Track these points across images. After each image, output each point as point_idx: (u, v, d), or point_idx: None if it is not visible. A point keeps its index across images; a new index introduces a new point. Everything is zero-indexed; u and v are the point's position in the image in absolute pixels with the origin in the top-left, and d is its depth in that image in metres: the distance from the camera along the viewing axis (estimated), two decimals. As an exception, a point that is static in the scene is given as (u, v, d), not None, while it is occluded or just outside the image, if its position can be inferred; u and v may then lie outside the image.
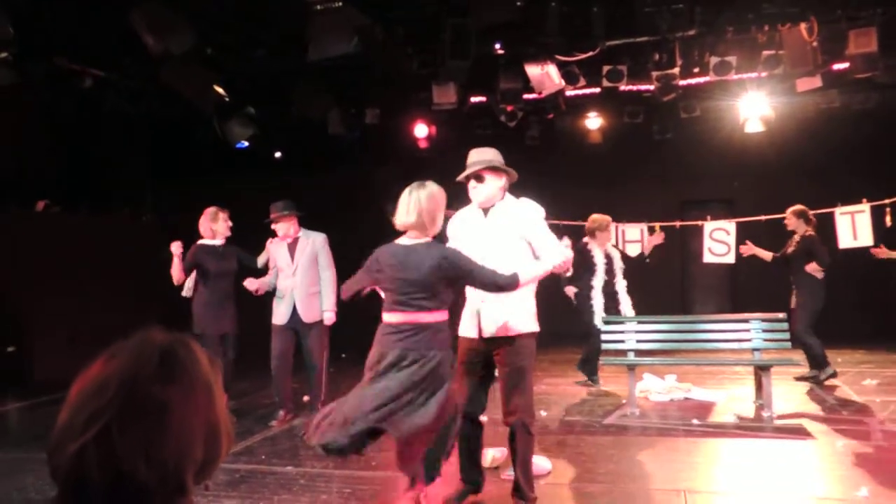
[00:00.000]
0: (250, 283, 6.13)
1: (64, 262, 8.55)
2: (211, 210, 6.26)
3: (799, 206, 7.60)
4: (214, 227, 6.19)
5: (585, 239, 7.52)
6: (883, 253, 7.53)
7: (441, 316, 3.51)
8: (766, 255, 7.77)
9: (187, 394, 1.05)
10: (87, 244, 8.95)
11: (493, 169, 3.80)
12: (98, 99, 7.79)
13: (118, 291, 8.87)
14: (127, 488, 0.98)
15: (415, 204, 3.54)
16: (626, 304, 7.41)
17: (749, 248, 7.85)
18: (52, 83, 7.50)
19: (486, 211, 3.89)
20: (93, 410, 0.99)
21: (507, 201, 3.88)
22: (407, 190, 3.63)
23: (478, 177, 3.81)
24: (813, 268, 7.27)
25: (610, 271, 7.47)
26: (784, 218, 7.69)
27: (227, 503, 4.30)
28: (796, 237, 7.55)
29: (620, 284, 7.49)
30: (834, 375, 7.28)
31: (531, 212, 3.85)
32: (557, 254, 3.71)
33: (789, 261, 7.55)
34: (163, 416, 1.01)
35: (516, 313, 3.74)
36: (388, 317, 3.58)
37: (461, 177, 3.85)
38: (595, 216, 7.59)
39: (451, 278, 3.50)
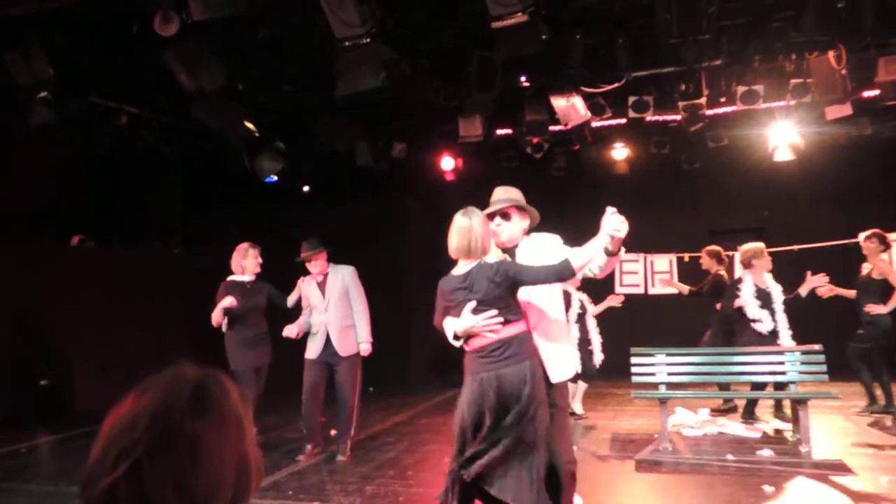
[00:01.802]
0: (289, 331, 6.15)
1: (97, 295, 8.68)
2: (242, 246, 6.36)
3: (713, 247, 8.14)
4: (244, 264, 6.29)
5: (739, 275, 7.18)
6: (831, 291, 7.36)
7: (517, 328, 3.53)
8: (684, 289, 8.23)
9: (218, 429, 1.04)
10: (120, 278, 9.08)
11: (520, 208, 3.74)
12: (133, 135, 7.97)
13: (150, 324, 8.97)
14: None
15: (467, 231, 3.57)
16: (785, 337, 6.83)
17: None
18: (89, 120, 7.69)
19: (508, 252, 3.75)
20: (124, 446, 0.99)
21: (526, 241, 3.79)
22: (456, 218, 3.63)
23: (504, 214, 3.72)
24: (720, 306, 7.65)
25: (767, 304, 6.89)
26: (820, 247, 7.57)
27: (255, 539, 4.26)
28: (710, 276, 8.03)
29: (780, 318, 6.89)
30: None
31: (548, 240, 3.75)
32: (607, 227, 3.44)
33: (704, 297, 8.02)
34: (193, 451, 1.00)
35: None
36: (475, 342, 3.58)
37: (487, 212, 3.73)
38: (747, 246, 7.13)
39: (508, 286, 3.52)
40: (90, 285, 8.67)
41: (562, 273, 3.42)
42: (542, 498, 3.35)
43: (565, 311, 7.37)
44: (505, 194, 3.78)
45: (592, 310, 7.73)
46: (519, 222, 3.73)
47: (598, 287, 7.96)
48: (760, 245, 7.09)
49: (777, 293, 6.91)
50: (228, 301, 6.04)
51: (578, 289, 7.58)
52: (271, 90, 7.80)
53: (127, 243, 9.56)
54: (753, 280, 6.93)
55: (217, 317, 6.10)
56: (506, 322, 3.48)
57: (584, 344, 7.40)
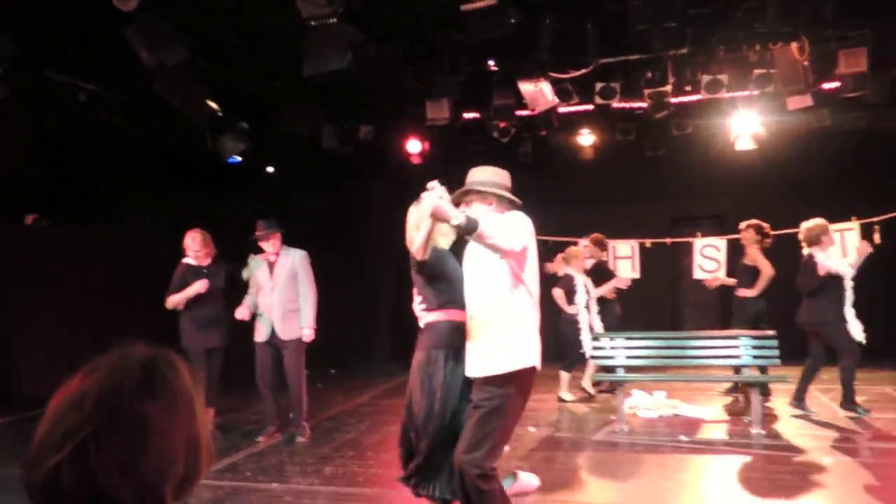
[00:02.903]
0: (240, 313, 6.16)
1: (50, 276, 8.49)
2: (189, 233, 6.29)
3: (596, 235, 8.36)
4: (193, 250, 6.23)
5: (808, 251, 6.80)
6: (716, 281, 8.00)
7: (432, 316, 3.69)
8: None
9: (168, 408, 1.03)
10: (75, 258, 8.90)
11: (480, 192, 3.52)
12: (90, 113, 7.79)
13: (104, 305, 8.81)
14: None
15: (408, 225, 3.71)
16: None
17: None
18: (45, 97, 7.50)
19: None
20: (70, 426, 0.98)
21: (498, 218, 3.49)
22: (412, 209, 3.73)
23: (464, 200, 3.58)
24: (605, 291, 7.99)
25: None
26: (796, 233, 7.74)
27: (211, 519, 4.26)
28: (594, 263, 8.30)
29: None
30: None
31: (506, 225, 3.39)
32: (495, 231, 3.19)
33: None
34: (143, 431, 1.00)
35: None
36: None
37: (451, 198, 3.60)
38: (812, 222, 6.89)
39: (424, 276, 3.67)
40: (43, 265, 8.48)
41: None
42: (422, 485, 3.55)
43: (567, 297, 7.58)
44: (471, 177, 3.60)
45: (594, 293, 7.90)
46: (479, 207, 3.48)
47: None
48: (824, 221, 6.90)
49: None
50: (197, 287, 6.04)
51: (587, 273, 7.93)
52: (235, 69, 7.68)
53: (83, 224, 9.37)
54: (826, 256, 6.69)
55: (178, 301, 6.07)
56: (426, 309, 3.70)
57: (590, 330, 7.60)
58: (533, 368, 3.31)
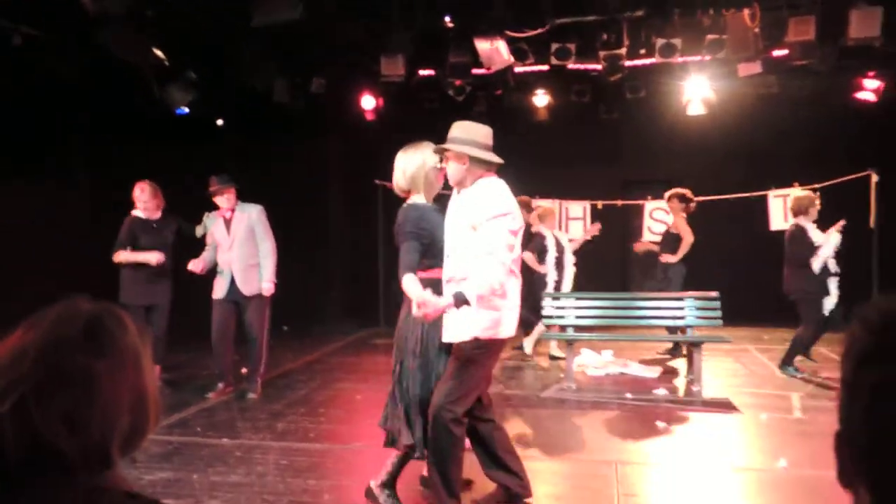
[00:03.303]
0: (193, 265, 6.05)
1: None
2: (139, 185, 6.14)
3: (522, 197, 8.24)
4: (141, 203, 6.09)
5: (795, 221, 6.83)
6: (643, 246, 8.38)
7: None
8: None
9: (113, 363, 1.02)
10: (16, 213, 8.58)
11: (458, 153, 3.44)
12: (29, 59, 7.42)
13: (50, 262, 8.55)
14: (48, 460, 0.96)
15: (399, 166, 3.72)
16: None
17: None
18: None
19: (460, 193, 3.57)
20: (10, 380, 0.96)
21: (475, 186, 3.45)
22: (399, 154, 3.75)
23: (442, 157, 3.57)
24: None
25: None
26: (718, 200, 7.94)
27: (160, 475, 4.24)
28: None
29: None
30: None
31: (481, 203, 3.36)
32: (478, 283, 3.21)
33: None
34: (87, 386, 0.98)
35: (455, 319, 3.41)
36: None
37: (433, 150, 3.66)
38: (803, 193, 7.02)
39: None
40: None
41: (402, 272, 3.42)
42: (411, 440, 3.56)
43: (537, 257, 7.60)
44: (450, 132, 3.53)
45: (570, 247, 7.98)
46: (454, 164, 3.45)
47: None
48: (814, 194, 7.10)
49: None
50: (151, 258, 6.01)
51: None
52: (183, 17, 7.40)
53: (25, 177, 9.01)
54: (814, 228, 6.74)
55: (127, 260, 5.98)
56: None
57: (557, 287, 7.68)
58: (502, 340, 3.43)
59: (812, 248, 6.59)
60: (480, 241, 3.28)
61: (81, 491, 0.98)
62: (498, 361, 3.67)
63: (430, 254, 3.52)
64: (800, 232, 6.70)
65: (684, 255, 7.77)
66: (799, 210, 6.81)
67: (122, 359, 1.04)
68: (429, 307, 3.15)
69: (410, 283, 3.35)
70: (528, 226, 8.35)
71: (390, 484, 3.70)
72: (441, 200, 3.78)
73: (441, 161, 3.58)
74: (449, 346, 3.48)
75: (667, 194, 8.14)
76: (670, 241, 7.96)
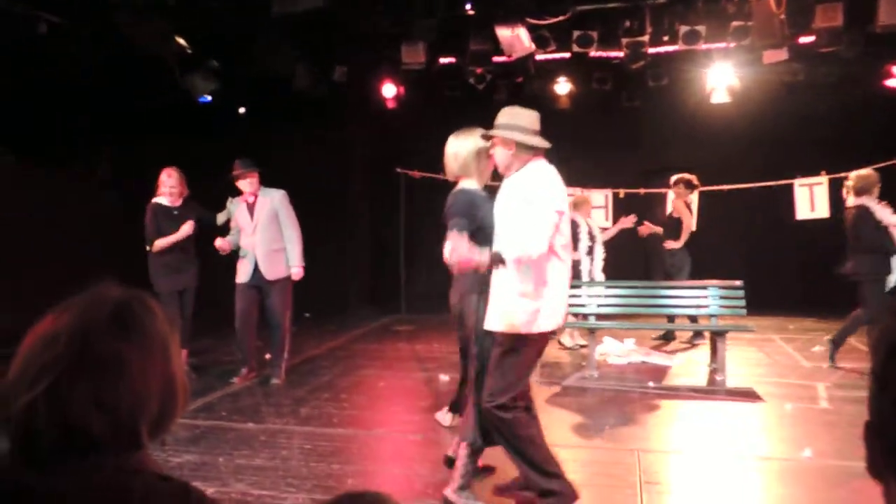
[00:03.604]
0: (221, 242, 6.12)
1: (15, 215, 8.31)
2: (166, 170, 6.20)
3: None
4: (162, 190, 6.15)
5: (857, 201, 6.48)
6: (647, 229, 8.20)
7: None
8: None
9: (142, 348, 1.04)
10: (41, 198, 8.70)
11: (505, 138, 3.43)
12: (53, 47, 7.50)
13: (73, 247, 8.67)
14: (79, 442, 0.98)
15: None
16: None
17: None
18: (3, 28, 7.17)
19: (508, 178, 3.53)
20: (44, 364, 0.99)
21: (523, 170, 3.42)
22: (451, 139, 3.82)
23: (490, 142, 3.55)
24: None
25: None
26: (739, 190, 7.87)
27: (187, 458, 4.30)
28: None
29: None
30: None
31: (529, 184, 3.35)
32: (517, 245, 3.18)
33: None
34: (116, 370, 1.01)
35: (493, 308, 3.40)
36: None
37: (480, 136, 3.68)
38: (862, 171, 6.68)
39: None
40: (8, 204, 8.28)
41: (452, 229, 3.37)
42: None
43: (571, 246, 7.54)
44: (498, 119, 3.51)
45: (601, 237, 7.97)
46: (500, 150, 3.45)
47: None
48: (876, 173, 6.70)
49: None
50: (186, 229, 6.07)
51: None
52: (204, 5, 7.43)
53: (49, 162, 9.13)
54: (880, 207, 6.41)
55: (165, 245, 6.06)
56: None
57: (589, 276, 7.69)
58: (543, 333, 3.33)
59: (880, 229, 6.28)
60: (526, 215, 3.23)
61: (114, 473, 1.00)
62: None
63: (479, 239, 3.46)
64: (865, 212, 6.37)
65: (686, 241, 7.78)
66: (863, 190, 6.44)
67: (150, 343, 1.06)
68: (460, 252, 3.13)
69: (456, 235, 3.31)
70: None
71: (466, 483, 3.58)
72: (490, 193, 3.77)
73: (489, 147, 3.57)
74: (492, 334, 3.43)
75: (672, 179, 8.12)
76: (673, 227, 7.93)
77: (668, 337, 8.06)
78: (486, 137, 3.55)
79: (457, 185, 3.77)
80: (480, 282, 3.55)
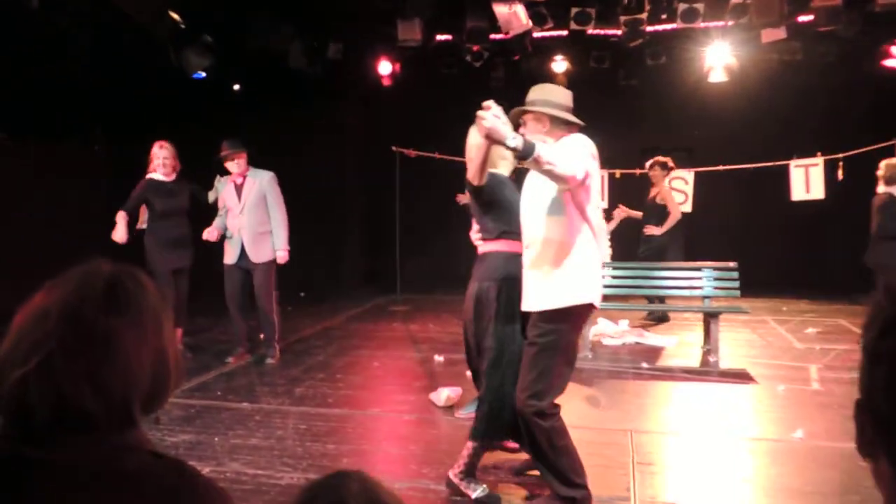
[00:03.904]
0: (208, 234, 6.09)
1: (11, 192, 8.26)
2: (159, 142, 6.12)
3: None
4: (155, 163, 6.06)
5: (886, 190, 6.28)
6: (623, 213, 8.11)
7: (488, 246, 3.58)
8: (638, 215, 8.13)
9: (134, 324, 1.04)
10: (37, 174, 8.65)
11: (534, 113, 3.31)
12: (45, 22, 7.40)
13: (68, 223, 8.64)
14: (72, 418, 0.98)
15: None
16: None
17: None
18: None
19: None
20: (35, 339, 0.99)
21: (557, 144, 3.25)
22: (472, 129, 3.61)
23: (519, 121, 3.40)
24: None
25: None
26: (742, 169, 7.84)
27: (183, 437, 4.32)
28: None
29: None
30: None
31: (568, 146, 3.18)
32: (555, 154, 2.96)
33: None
34: (108, 346, 1.00)
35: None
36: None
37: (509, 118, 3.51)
38: (892, 160, 6.45)
39: (478, 204, 3.53)
40: (4, 181, 8.23)
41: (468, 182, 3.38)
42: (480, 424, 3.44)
43: (602, 215, 7.49)
44: (529, 95, 3.40)
45: (607, 228, 7.91)
46: (534, 126, 3.30)
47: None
48: None
49: None
50: (209, 233, 6.03)
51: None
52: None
53: (43, 138, 9.05)
54: None
55: (120, 234, 5.72)
56: (483, 239, 3.59)
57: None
58: (590, 305, 3.19)
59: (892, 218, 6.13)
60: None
61: (108, 450, 0.99)
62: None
63: (506, 222, 3.40)
64: (892, 201, 6.21)
65: (669, 229, 7.77)
66: (891, 179, 6.27)
67: (141, 319, 1.06)
68: (488, 119, 2.87)
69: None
70: None
71: (471, 472, 3.52)
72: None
73: (519, 128, 3.34)
74: (524, 327, 3.31)
75: (648, 163, 8.07)
76: (655, 211, 7.88)
77: (662, 318, 8.09)
78: (519, 114, 3.36)
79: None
80: (503, 269, 3.44)
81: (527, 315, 3.31)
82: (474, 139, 3.55)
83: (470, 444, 3.48)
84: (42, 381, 0.96)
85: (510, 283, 3.39)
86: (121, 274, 1.07)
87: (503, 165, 3.64)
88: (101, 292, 1.03)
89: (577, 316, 3.19)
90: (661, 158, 7.93)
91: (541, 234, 3.19)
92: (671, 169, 7.93)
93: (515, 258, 3.36)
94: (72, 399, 0.97)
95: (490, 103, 2.94)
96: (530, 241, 3.26)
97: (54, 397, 0.97)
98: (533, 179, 3.32)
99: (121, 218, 5.79)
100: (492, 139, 2.95)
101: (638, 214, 8.07)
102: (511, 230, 3.43)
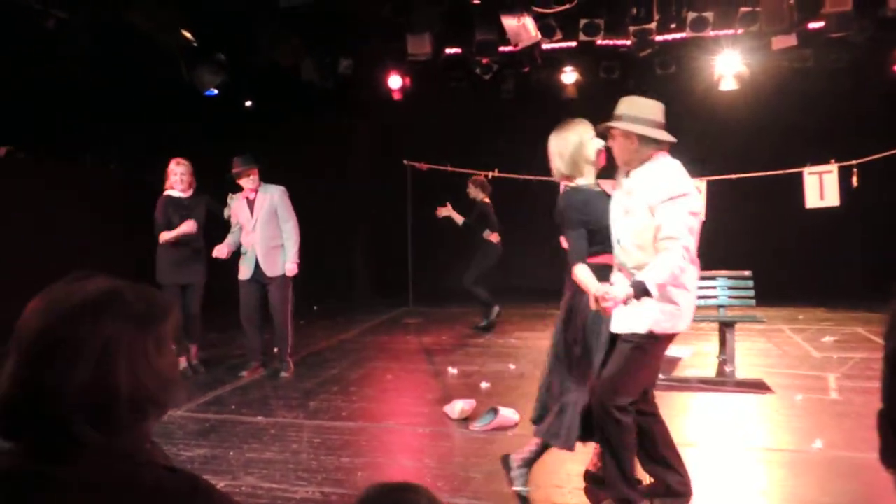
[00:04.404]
0: (218, 251, 6.13)
1: (28, 209, 8.35)
2: (175, 159, 6.21)
3: (477, 176, 8.38)
4: (172, 180, 6.15)
5: None
6: (445, 212, 8.22)
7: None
8: (459, 219, 8.25)
9: (126, 332, 1.03)
10: (53, 192, 8.74)
11: (626, 130, 3.18)
12: (62, 41, 7.51)
13: (83, 241, 8.71)
14: (77, 430, 0.98)
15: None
16: None
17: (446, 210, 8.26)
18: (13, 23, 7.19)
19: (628, 175, 3.29)
20: (33, 350, 1.00)
21: (647, 166, 3.18)
22: (552, 137, 3.55)
23: (608, 134, 3.29)
24: (487, 234, 8.12)
25: None
26: (756, 176, 7.80)
27: (198, 451, 4.33)
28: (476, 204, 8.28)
29: None
30: (498, 315, 8.32)
31: (657, 183, 3.09)
32: (659, 270, 2.94)
33: (471, 225, 8.23)
34: (102, 353, 1.00)
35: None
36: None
37: (595, 130, 3.41)
38: None
39: (560, 221, 3.43)
40: (21, 198, 8.32)
41: (573, 261, 3.25)
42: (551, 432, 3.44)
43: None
44: (617, 109, 3.26)
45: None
46: (622, 142, 3.20)
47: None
48: None
49: None
50: (185, 227, 6.03)
51: None
52: (211, -2, 7.42)
53: (60, 157, 9.16)
54: None
55: (170, 239, 6.05)
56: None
57: None
58: (674, 335, 3.20)
59: None
60: (659, 225, 3.01)
61: (122, 465, 1.00)
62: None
63: (597, 240, 3.28)
64: None
65: None
66: None
67: (142, 330, 1.05)
68: (610, 301, 2.93)
69: (585, 275, 3.18)
70: (483, 204, 8.31)
71: (528, 463, 3.58)
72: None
73: (606, 140, 3.31)
74: (614, 336, 3.25)
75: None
76: None
77: None
78: (605, 129, 3.27)
79: (565, 185, 3.53)
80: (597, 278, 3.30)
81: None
82: (557, 146, 3.48)
83: (535, 442, 3.52)
84: (38, 393, 0.97)
85: None
86: (121, 286, 1.08)
87: (588, 171, 3.47)
88: (101, 302, 1.03)
89: (666, 342, 3.24)
90: None
91: (633, 258, 3.12)
92: None
93: (605, 271, 3.27)
94: (74, 409, 0.98)
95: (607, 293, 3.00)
96: (623, 263, 3.19)
97: (55, 409, 0.97)
98: (624, 199, 3.21)
99: (166, 235, 6.04)
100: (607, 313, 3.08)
101: None
102: (603, 246, 3.31)
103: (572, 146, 3.43)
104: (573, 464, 4.11)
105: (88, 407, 0.98)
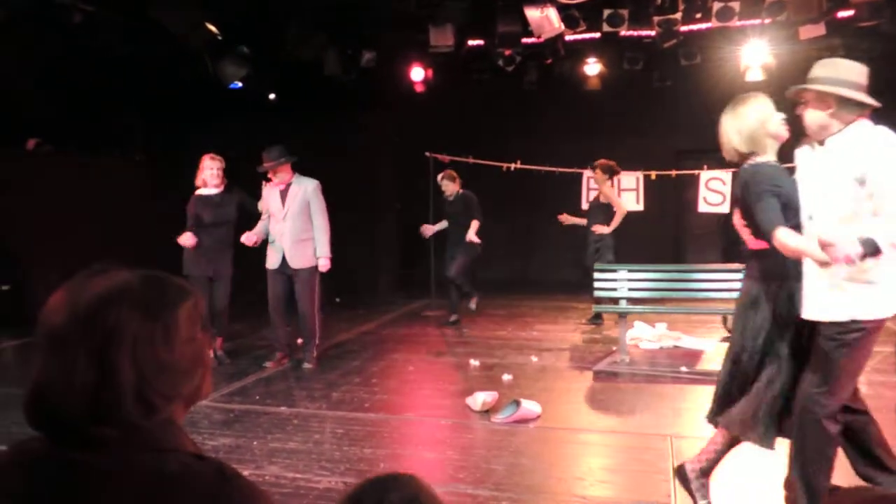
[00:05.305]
0: (246, 239, 6.15)
1: (57, 202, 8.49)
2: (208, 154, 6.27)
3: (447, 171, 8.39)
4: (203, 177, 6.21)
5: None
6: (567, 219, 8.21)
7: (763, 243, 3.08)
8: (581, 221, 8.21)
9: (155, 323, 1.04)
10: (80, 185, 8.88)
11: (821, 93, 2.88)
12: (88, 36, 7.60)
13: (111, 233, 8.84)
14: (103, 416, 1.00)
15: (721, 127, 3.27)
16: None
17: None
18: (40, 18, 7.30)
19: (822, 144, 2.98)
20: (57, 337, 1.01)
21: (848, 133, 2.88)
22: (724, 117, 3.30)
23: (799, 99, 3.00)
24: (475, 226, 8.09)
25: None
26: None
27: (222, 441, 4.38)
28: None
29: None
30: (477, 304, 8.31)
31: (868, 150, 2.79)
32: (892, 230, 2.61)
33: (452, 216, 8.32)
34: (132, 344, 1.01)
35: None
36: None
37: (788, 94, 3.08)
38: None
39: (743, 200, 3.12)
40: (50, 191, 8.46)
41: (769, 228, 2.88)
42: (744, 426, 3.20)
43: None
44: (812, 72, 2.98)
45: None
46: (816, 111, 2.92)
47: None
48: None
49: None
50: (183, 240, 6.10)
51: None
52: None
53: (86, 150, 9.29)
54: None
55: (185, 242, 6.11)
56: (756, 235, 3.12)
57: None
58: (884, 319, 2.84)
59: None
60: (878, 198, 2.70)
61: (149, 452, 1.01)
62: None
63: (785, 216, 2.93)
64: None
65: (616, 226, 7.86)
66: None
67: (168, 319, 1.06)
68: (837, 250, 2.54)
69: (790, 237, 2.82)
70: (465, 195, 8.31)
71: (706, 472, 3.35)
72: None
73: (796, 109, 3.03)
74: (801, 324, 3.00)
75: (591, 166, 8.28)
76: (599, 211, 7.96)
77: (597, 321, 8.09)
78: (796, 93, 2.99)
79: (745, 164, 3.21)
80: (781, 268, 3.05)
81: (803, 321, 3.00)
82: (732, 125, 3.23)
83: (722, 435, 3.30)
84: (68, 381, 0.99)
85: (792, 284, 3.04)
86: (144, 275, 1.09)
87: (771, 147, 3.20)
88: (127, 292, 1.04)
89: (874, 330, 2.86)
90: (605, 162, 8.00)
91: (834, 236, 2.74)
92: (616, 173, 8.06)
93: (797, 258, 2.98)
94: (80, 402, 0.99)
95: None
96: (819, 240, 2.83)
97: (89, 397, 0.99)
98: (820, 171, 2.93)
99: (183, 240, 6.12)
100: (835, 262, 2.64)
101: (582, 221, 8.17)
102: (792, 226, 2.94)
103: (753, 121, 3.17)
104: (594, 458, 4.12)
105: (94, 401, 0.99)
